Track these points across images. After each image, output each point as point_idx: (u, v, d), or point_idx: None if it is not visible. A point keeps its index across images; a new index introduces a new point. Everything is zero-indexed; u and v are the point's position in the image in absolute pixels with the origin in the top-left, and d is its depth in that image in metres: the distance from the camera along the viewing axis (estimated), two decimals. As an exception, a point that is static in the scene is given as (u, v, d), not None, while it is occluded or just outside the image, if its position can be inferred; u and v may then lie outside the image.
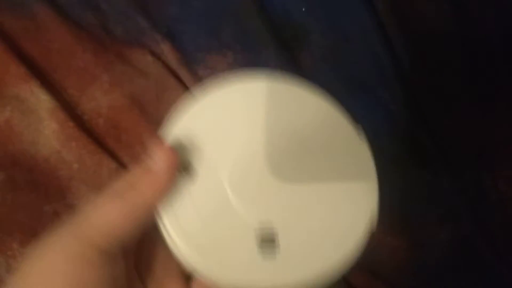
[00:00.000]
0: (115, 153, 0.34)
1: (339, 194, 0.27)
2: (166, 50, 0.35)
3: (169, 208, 0.24)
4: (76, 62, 0.34)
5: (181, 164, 0.25)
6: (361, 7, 0.39)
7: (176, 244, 0.23)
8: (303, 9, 0.39)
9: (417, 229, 0.37)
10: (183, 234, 0.23)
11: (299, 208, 0.26)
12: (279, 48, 0.38)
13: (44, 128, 0.33)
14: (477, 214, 0.36)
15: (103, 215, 0.22)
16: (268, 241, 0.24)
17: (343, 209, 0.26)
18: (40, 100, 0.33)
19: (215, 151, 0.26)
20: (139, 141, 0.34)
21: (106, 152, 0.33)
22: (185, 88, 0.35)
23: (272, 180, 0.26)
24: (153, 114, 0.34)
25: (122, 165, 0.34)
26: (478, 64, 0.40)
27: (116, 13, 0.36)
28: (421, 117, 0.39)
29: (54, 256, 0.21)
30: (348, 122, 0.29)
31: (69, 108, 0.33)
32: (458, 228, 0.37)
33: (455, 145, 0.38)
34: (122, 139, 0.34)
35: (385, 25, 0.39)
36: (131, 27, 0.36)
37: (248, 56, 0.37)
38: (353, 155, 0.28)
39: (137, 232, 0.22)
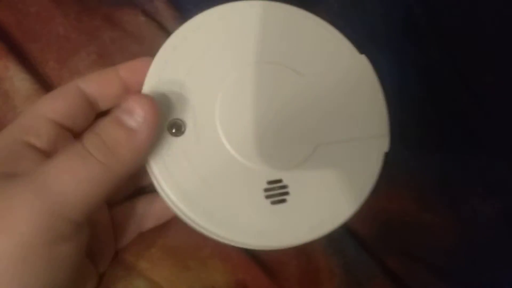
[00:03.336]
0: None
1: (347, 125, 0.26)
2: (161, 7, 0.31)
3: (169, 177, 0.22)
4: (56, 28, 0.29)
5: (171, 123, 0.23)
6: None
7: (183, 211, 0.22)
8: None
9: (458, 204, 0.32)
10: (190, 202, 0.22)
11: (306, 156, 0.24)
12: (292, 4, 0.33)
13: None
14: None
15: (75, 181, 0.18)
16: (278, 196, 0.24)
17: (353, 142, 0.26)
18: (19, 79, 0.28)
19: (206, 102, 0.24)
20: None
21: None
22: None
23: (271, 125, 0.24)
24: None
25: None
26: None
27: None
28: (457, 74, 0.34)
29: (19, 225, 0.18)
30: (349, 46, 0.27)
31: (49, 87, 0.29)
32: (505, 201, 0.32)
33: (498, 105, 0.34)
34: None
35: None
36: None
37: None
38: (357, 79, 0.27)
39: (106, 197, 0.20)
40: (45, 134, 0.22)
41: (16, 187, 0.18)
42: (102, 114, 0.26)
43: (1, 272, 0.17)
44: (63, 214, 0.18)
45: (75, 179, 0.18)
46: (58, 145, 0.22)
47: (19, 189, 0.18)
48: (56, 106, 0.23)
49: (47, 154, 0.22)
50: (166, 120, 0.23)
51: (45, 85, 0.28)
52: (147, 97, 0.21)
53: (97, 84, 0.24)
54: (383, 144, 0.26)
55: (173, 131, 0.23)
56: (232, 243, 0.23)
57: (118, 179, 0.20)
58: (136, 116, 0.20)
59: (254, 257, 0.28)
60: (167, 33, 0.30)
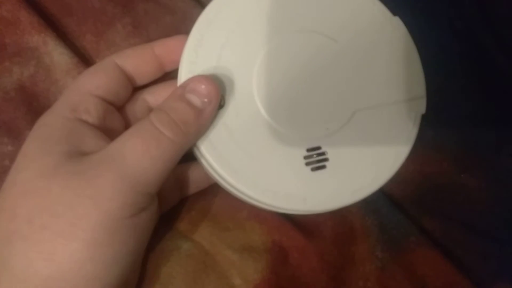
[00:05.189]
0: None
1: (384, 89, 0.26)
2: (193, -23, 0.30)
3: (212, 148, 0.23)
4: (91, 2, 0.30)
5: None
6: None
7: (228, 181, 0.23)
8: None
9: (493, 164, 0.32)
10: (233, 172, 0.23)
11: (344, 122, 0.25)
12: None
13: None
14: None
15: (151, 160, 0.20)
16: (317, 163, 0.24)
17: (390, 106, 0.25)
18: (58, 53, 0.29)
19: (243, 73, 0.24)
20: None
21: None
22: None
23: (308, 93, 0.25)
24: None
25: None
26: None
27: None
28: (492, 36, 0.33)
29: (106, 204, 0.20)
30: (382, 9, 0.27)
31: (87, 60, 0.29)
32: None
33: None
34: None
35: None
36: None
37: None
38: (392, 42, 0.26)
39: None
40: (94, 110, 0.23)
41: (97, 168, 0.20)
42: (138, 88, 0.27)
43: (97, 242, 0.19)
44: (143, 190, 0.20)
45: (151, 159, 0.20)
46: (106, 120, 0.24)
47: (101, 170, 0.20)
48: (98, 82, 0.24)
49: (99, 129, 0.23)
50: None
51: (84, 58, 0.29)
52: (211, 78, 0.22)
53: (133, 61, 0.25)
54: (420, 106, 0.26)
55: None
56: (275, 209, 0.24)
57: (182, 153, 0.22)
58: (202, 97, 0.22)
59: (290, 219, 0.29)
60: (199, 3, 0.30)
